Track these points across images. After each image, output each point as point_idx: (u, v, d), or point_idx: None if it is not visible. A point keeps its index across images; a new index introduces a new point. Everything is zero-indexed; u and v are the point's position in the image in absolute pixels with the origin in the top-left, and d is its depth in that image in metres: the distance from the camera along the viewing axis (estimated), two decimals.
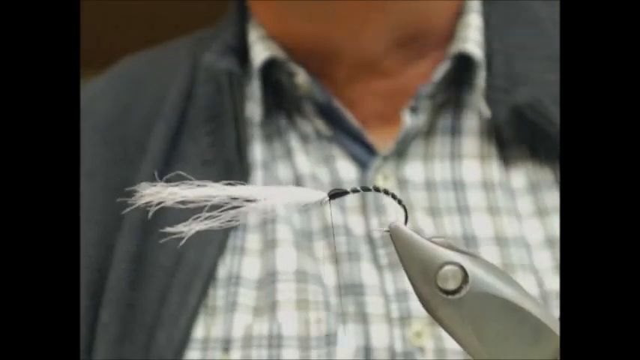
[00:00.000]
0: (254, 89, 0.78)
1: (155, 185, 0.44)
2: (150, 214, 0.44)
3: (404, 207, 0.46)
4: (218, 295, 0.71)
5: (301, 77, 0.77)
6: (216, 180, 0.45)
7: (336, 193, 0.45)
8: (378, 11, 0.76)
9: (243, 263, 0.72)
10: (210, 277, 0.71)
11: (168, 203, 0.44)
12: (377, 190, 0.46)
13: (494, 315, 0.43)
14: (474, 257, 0.44)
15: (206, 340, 0.69)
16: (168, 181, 0.45)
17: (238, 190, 0.44)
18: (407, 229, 0.44)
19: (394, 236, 0.44)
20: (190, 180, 0.44)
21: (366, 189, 0.46)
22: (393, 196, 0.46)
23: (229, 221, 0.44)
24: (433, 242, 0.44)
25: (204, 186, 0.44)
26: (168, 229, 0.45)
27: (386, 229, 0.45)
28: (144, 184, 0.44)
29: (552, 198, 0.74)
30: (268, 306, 0.70)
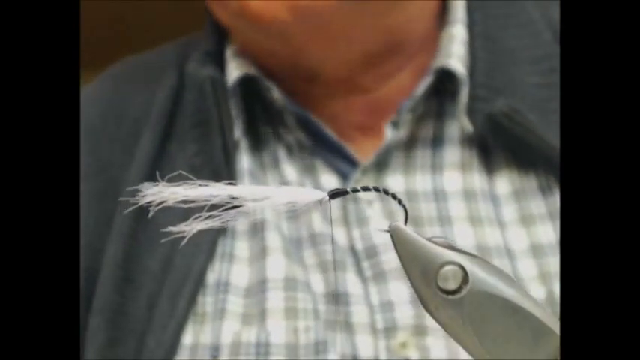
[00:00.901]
0: (231, 104, 0.78)
1: (157, 185, 0.44)
2: (150, 214, 0.44)
3: (404, 207, 0.46)
4: (207, 301, 0.71)
5: (274, 93, 0.77)
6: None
7: (337, 193, 0.45)
8: (345, 32, 0.75)
9: (232, 270, 0.72)
10: (199, 284, 0.71)
11: (170, 203, 0.44)
12: (377, 190, 0.46)
13: (494, 315, 0.43)
14: (475, 257, 0.44)
15: (195, 347, 0.69)
16: (168, 181, 0.44)
17: (238, 190, 0.44)
18: (407, 229, 0.44)
19: (394, 236, 0.44)
20: (191, 180, 0.44)
21: (366, 189, 0.46)
22: (394, 196, 0.46)
23: (229, 220, 0.44)
24: (433, 242, 0.44)
25: (206, 185, 0.44)
26: (171, 229, 0.44)
27: (386, 229, 0.45)
28: (146, 184, 0.44)
29: (536, 206, 0.74)
30: (257, 314, 0.70)
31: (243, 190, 0.44)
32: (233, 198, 0.44)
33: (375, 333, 0.69)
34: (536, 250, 0.72)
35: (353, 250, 0.72)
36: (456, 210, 0.74)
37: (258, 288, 0.71)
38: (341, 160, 0.77)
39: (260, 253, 0.72)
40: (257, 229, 0.73)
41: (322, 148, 0.78)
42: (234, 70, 0.78)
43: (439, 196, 0.75)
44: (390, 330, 0.69)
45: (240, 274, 0.72)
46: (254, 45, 0.78)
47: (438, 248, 0.44)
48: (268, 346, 0.68)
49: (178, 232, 0.44)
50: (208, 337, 0.69)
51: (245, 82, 0.78)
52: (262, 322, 0.69)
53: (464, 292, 0.43)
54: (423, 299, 0.44)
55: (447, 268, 0.44)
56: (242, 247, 0.73)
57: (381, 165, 0.76)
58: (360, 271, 0.71)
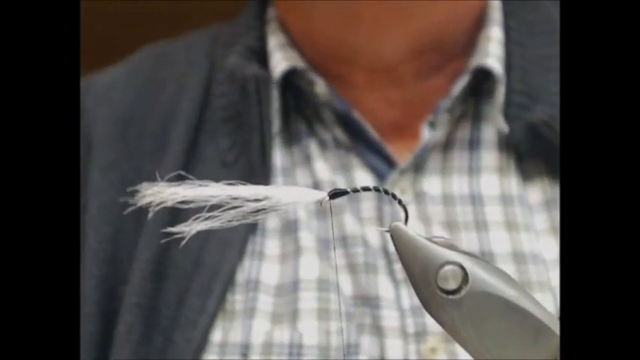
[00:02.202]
0: (274, 98, 0.77)
1: (156, 185, 0.44)
2: (150, 214, 0.44)
3: (404, 207, 0.46)
4: (236, 300, 0.71)
5: (320, 87, 0.77)
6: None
7: (336, 193, 0.45)
8: (399, 17, 0.76)
9: (262, 269, 0.72)
10: (229, 282, 0.70)
11: (169, 203, 0.44)
12: (377, 190, 0.46)
13: (494, 315, 0.43)
14: (475, 257, 0.44)
15: (224, 345, 0.69)
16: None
17: (240, 190, 0.44)
18: (407, 229, 0.44)
19: (394, 236, 0.44)
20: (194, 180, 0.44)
21: (366, 189, 0.46)
22: (393, 196, 0.46)
23: (230, 221, 0.44)
24: (433, 242, 0.44)
25: (206, 186, 0.44)
26: (170, 229, 0.45)
27: (386, 229, 0.45)
28: (145, 184, 0.44)
29: None
30: (289, 313, 0.70)
31: (243, 190, 0.44)
32: (233, 198, 0.44)
33: (405, 337, 0.68)
34: None
35: (385, 251, 0.72)
36: (492, 214, 0.73)
37: (291, 288, 0.71)
38: (379, 159, 0.77)
39: (293, 253, 0.72)
40: (290, 228, 0.73)
41: (359, 145, 0.77)
42: (280, 62, 0.78)
43: (476, 199, 0.74)
44: (421, 335, 0.68)
45: (270, 272, 0.72)
46: (309, 22, 0.78)
47: (438, 248, 0.44)
48: (301, 347, 0.68)
49: (178, 233, 0.45)
50: (238, 335, 0.69)
51: (286, 76, 0.77)
52: (294, 323, 0.69)
53: (464, 292, 0.43)
54: (423, 299, 0.44)
55: (447, 268, 0.44)
56: (272, 246, 0.73)
57: (418, 166, 0.76)
58: (391, 273, 0.71)
